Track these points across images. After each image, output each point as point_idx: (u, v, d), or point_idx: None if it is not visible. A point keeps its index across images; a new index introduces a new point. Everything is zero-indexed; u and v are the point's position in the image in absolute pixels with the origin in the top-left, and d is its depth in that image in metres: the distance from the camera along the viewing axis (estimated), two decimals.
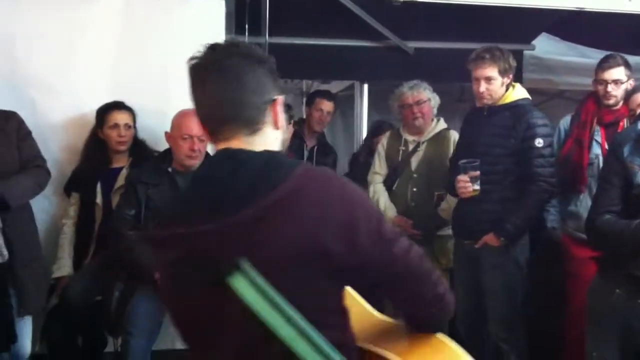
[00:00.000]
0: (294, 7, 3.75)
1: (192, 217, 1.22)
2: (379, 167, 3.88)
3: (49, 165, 3.09)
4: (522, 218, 3.13)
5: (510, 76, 3.19)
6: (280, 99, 1.31)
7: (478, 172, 3.12)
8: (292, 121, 4.25)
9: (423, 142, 3.75)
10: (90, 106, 3.30)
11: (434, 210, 3.68)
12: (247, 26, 3.52)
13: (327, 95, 4.71)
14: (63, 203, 3.35)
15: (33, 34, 3.24)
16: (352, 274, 1.24)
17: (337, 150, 5.07)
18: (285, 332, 1.13)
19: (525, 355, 3.26)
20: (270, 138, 1.31)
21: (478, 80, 3.15)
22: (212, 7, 3.38)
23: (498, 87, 3.16)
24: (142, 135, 3.37)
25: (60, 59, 3.28)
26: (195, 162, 3.01)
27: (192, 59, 1.30)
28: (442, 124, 3.81)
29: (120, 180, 3.23)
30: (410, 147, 3.77)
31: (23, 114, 3.03)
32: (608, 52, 3.51)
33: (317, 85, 6.08)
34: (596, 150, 3.34)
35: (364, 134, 4.98)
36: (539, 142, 3.10)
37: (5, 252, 2.79)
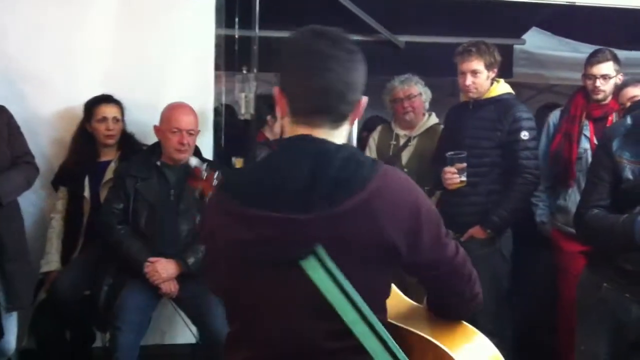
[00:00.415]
0: (284, 1, 3.73)
1: (281, 204, 1.26)
2: None
3: (38, 159, 3.08)
4: (508, 210, 3.17)
5: (496, 70, 3.25)
6: (365, 99, 1.38)
7: (465, 164, 3.15)
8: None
9: (414, 137, 3.73)
10: (79, 100, 3.28)
11: None
12: (237, 19, 3.51)
13: None
14: (51, 197, 3.34)
15: (24, 29, 3.22)
16: (405, 269, 1.36)
17: None
18: (359, 328, 1.25)
19: (513, 348, 3.27)
20: (345, 132, 1.39)
21: (464, 73, 3.21)
22: None
23: (484, 80, 3.21)
24: (131, 128, 3.35)
25: (50, 53, 3.26)
26: (184, 156, 2.99)
27: (308, 39, 1.34)
28: (433, 119, 3.79)
29: (109, 174, 3.22)
30: (402, 141, 3.75)
31: (11, 108, 3.00)
32: (599, 47, 3.52)
33: None
34: (585, 144, 3.35)
35: (357, 129, 4.95)
36: (524, 135, 3.16)
37: None
